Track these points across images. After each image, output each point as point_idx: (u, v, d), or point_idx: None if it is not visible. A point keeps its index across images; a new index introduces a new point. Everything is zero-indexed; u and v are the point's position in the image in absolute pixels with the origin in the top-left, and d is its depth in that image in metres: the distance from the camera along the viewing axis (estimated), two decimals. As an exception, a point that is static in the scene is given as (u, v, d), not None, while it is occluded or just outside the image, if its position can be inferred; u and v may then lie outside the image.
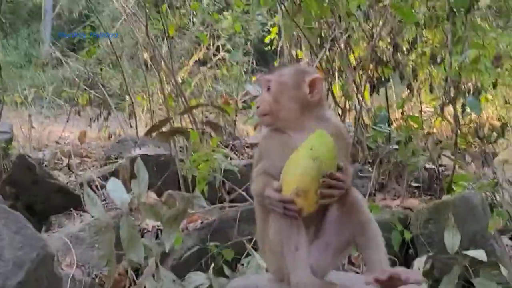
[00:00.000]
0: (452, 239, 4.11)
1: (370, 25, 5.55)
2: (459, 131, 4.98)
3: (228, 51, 10.68)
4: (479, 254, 3.90)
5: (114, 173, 6.75)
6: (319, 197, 2.33)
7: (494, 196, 4.90)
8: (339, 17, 5.29)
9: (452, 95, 4.97)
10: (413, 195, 5.12)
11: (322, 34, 5.44)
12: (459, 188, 5.35)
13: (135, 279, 4.23)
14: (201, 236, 4.20)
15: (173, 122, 3.77)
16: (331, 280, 2.57)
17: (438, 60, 5.38)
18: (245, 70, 12.36)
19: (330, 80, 6.44)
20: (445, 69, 5.04)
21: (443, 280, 4.03)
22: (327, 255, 2.53)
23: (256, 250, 3.61)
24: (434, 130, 5.77)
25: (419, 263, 4.11)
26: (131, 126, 9.17)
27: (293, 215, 2.33)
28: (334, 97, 5.75)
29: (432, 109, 5.61)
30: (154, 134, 3.66)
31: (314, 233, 2.55)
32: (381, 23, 5.20)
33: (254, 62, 11.33)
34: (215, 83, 10.91)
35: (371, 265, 2.46)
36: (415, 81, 5.64)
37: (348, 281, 2.59)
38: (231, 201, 5.02)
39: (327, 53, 5.46)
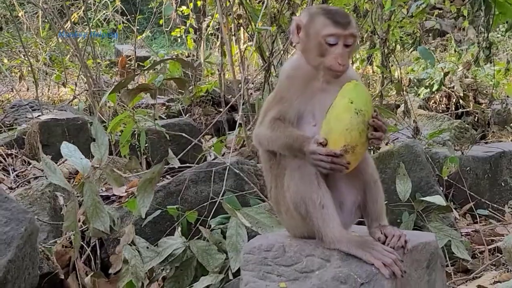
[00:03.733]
0: (404, 187, 4.23)
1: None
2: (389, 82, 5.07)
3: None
4: (436, 199, 4.05)
5: (18, 140, 6.27)
6: (368, 143, 2.29)
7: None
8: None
9: (382, 48, 5.04)
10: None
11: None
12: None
13: (86, 250, 3.97)
14: (158, 200, 3.98)
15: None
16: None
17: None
18: (113, 28, 11.97)
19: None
20: (372, 22, 5.08)
21: (400, 228, 4.12)
22: (344, 214, 2.50)
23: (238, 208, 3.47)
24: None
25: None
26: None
27: (340, 169, 2.26)
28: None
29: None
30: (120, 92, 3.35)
31: None
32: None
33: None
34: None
35: (375, 219, 2.48)
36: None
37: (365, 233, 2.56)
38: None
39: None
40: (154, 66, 4.04)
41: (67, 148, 3.43)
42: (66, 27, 8.79)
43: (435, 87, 5.81)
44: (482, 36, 4.29)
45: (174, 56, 10.70)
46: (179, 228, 3.62)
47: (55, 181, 3.28)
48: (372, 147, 4.85)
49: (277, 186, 2.50)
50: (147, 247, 3.35)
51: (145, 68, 3.47)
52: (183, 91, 8.42)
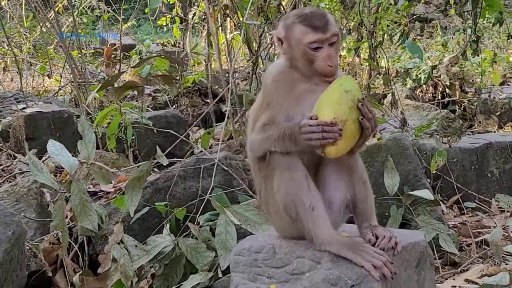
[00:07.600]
0: (392, 181, 4.23)
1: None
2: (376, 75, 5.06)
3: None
4: (424, 193, 4.06)
5: (3, 134, 6.18)
6: (357, 130, 2.30)
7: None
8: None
9: (370, 40, 5.02)
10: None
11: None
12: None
13: (74, 247, 3.95)
14: (146, 196, 3.95)
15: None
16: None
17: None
18: (97, 16, 11.87)
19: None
20: (359, 13, 5.06)
21: (388, 222, 4.15)
22: (333, 213, 2.50)
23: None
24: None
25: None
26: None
27: (333, 137, 2.24)
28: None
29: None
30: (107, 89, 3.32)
31: None
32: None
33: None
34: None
35: (365, 219, 2.50)
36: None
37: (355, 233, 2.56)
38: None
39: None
40: (142, 63, 4.00)
41: (54, 147, 3.39)
42: (50, 17, 8.69)
43: (423, 80, 5.82)
44: (471, 30, 4.29)
45: (161, 49, 10.64)
46: (168, 226, 3.59)
47: (42, 180, 3.25)
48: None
49: (267, 188, 2.50)
50: (136, 246, 3.33)
51: (132, 66, 3.43)
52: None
